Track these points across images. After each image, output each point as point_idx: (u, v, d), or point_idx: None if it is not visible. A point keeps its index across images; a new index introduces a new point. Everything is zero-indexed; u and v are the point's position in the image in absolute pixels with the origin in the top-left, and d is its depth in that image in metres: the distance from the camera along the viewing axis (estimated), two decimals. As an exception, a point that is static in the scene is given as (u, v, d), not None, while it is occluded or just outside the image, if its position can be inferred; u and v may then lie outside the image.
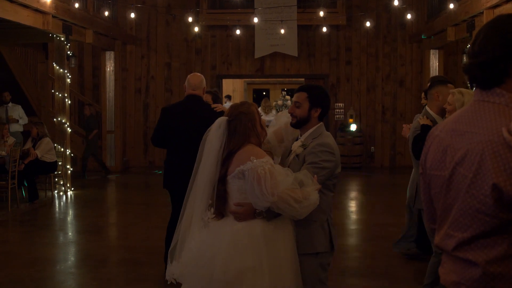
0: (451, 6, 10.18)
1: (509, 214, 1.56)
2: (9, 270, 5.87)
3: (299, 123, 3.34)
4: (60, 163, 10.25)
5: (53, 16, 9.57)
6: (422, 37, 13.19)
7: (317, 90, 3.39)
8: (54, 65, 10.85)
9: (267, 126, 3.36)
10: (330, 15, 13.25)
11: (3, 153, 9.20)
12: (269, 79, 17.39)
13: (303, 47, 14.06)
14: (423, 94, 6.12)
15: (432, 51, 13.32)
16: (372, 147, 14.22)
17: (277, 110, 17.14)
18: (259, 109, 15.99)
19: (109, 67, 13.52)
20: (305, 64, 14.23)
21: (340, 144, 12.57)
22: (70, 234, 7.81)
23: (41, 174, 9.90)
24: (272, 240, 2.98)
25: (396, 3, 11.16)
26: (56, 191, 10.35)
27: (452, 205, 1.69)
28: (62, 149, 10.62)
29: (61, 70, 10.73)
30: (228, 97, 16.07)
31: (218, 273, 2.87)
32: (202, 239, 3.01)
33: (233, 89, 18.16)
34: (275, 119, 3.70)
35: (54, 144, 10.12)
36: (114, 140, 13.60)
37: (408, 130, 5.44)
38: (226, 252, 2.91)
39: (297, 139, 3.39)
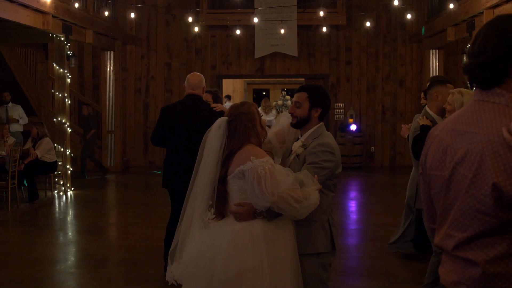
0: (451, 6, 10.18)
1: (509, 214, 1.56)
2: (9, 270, 5.87)
3: (300, 123, 3.34)
4: (60, 163, 10.25)
5: (53, 16, 9.57)
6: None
7: (317, 90, 3.39)
8: (54, 65, 10.85)
9: (268, 126, 3.36)
10: (330, 15, 13.25)
11: (3, 153, 9.21)
12: (269, 79, 17.39)
13: (303, 47, 14.06)
14: (422, 94, 6.11)
15: (432, 51, 13.32)
16: (372, 147, 14.23)
17: (277, 110, 17.15)
18: (259, 109, 16.00)
19: (109, 67, 13.53)
20: (305, 64, 14.24)
21: (340, 144, 12.54)
22: (70, 234, 7.81)
23: (41, 174, 9.90)
24: (272, 240, 2.97)
25: (396, 3, 11.16)
26: (56, 191, 10.35)
27: (452, 205, 1.69)
28: (62, 149, 10.62)
29: (61, 70, 10.73)
30: (228, 97, 16.08)
31: (218, 273, 2.87)
32: (203, 239, 3.01)
33: (233, 89, 18.17)
34: (277, 119, 3.70)
35: (54, 144, 10.12)
36: (114, 140, 13.60)
37: (407, 130, 5.44)
38: (227, 252, 2.91)
39: (297, 139, 3.40)
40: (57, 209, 9.54)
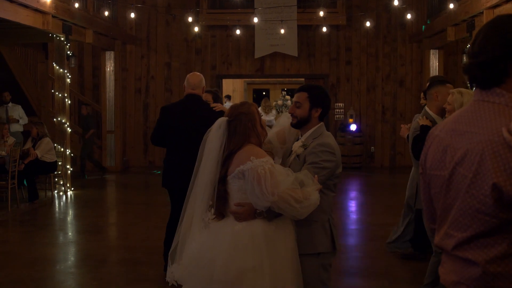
0: (451, 6, 10.18)
1: (509, 214, 1.56)
2: (9, 270, 5.87)
3: (300, 123, 3.34)
4: (60, 163, 10.26)
5: (53, 16, 9.56)
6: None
7: (317, 90, 3.39)
8: (54, 65, 10.85)
9: (268, 126, 3.36)
10: (330, 15, 13.25)
11: (3, 153, 9.20)
12: (269, 79, 17.39)
13: (303, 47, 14.06)
14: (422, 94, 6.11)
15: (432, 51, 13.32)
16: (372, 147, 14.23)
17: (277, 110, 17.15)
18: (259, 109, 16.00)
19: (109, 67, 13.53)
20: (305, 64, 14.24)
21: (340, 144, 12.47)
22: (70, 234, 7.81)
23: (41, 174, 9.90)
24: (273, 240, 2.97)
25: (396, 3, 11.16)
26: (56, 191, 10.35)
27: (452, 205, 1.69)
28: (62, 149, 10.63)
29: (61, 70, 10.73)
30: (228, 97, 16.08)
31: (218, 273, 2.87)
32: (203, 240, 3.01)
33: (233, 89, 18.17)
34: (277, 120, 3.70)
35: (54, 144, 10.12)
36: (114, 140, 13.60)
37: (406, 130, 5.44)
38: (227, 252, 2.90)
39: (297, 139, 3.39)
40: (57, 209, 9.54)
